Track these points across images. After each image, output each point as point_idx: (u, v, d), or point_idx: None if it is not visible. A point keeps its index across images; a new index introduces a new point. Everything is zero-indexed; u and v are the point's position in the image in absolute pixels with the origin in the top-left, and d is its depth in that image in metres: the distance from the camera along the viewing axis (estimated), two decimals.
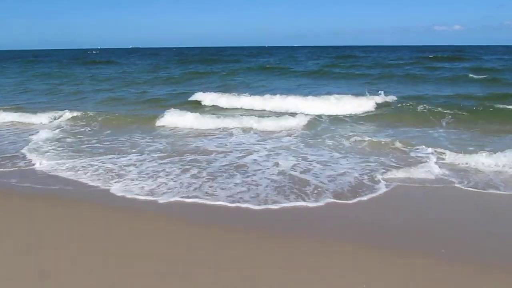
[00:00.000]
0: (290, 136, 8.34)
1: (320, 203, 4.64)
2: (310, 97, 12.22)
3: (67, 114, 10.80)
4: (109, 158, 6.62)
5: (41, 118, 10.58)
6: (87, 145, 7.67)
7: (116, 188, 5.20)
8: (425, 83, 18.00)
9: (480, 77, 18.65)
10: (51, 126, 9.93)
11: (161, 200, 4.79)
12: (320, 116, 10.31)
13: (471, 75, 19.28)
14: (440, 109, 10.47)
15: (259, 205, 4.60)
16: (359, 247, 3.64)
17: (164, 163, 6.26)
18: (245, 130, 8.89)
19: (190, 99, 13.57)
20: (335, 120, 10.17)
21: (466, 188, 5.16)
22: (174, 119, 9.83)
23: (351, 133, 8.29)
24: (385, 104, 11.73)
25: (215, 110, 12.25)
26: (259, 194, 4.94)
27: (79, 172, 5.92)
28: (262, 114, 11.12)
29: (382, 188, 5.12)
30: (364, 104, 11.50)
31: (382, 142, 7.34)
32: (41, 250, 3.59)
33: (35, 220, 4.34)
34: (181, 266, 3.30)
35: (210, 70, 26.09)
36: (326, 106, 11.40)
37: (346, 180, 5.39)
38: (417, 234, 3.95)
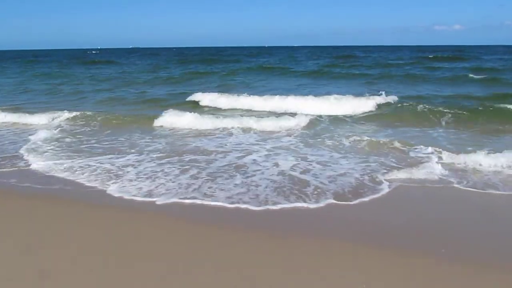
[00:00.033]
0: (289, 136, 8.33)
1: (321, 204, 4.63)
2: (310, 97, 12.20)
3: (67, 114, 10.78)
4: (108, 158, 6.61)
5: (41, 118, 10.57)
6: (86, 145, 7.66)
7: (114, 189, 5.17)
8: (425, 83, 18.00)
9: (480, 77, 18.66)
10: (50, 126, 9.92)
11: (159, 201, 4.74)
12: (320, 116, 10.29)
13: (471, 75, 19.29)
14: (440, 109, 10.46)
15: (259, 206, 4.58)
16: (359, 247, 3.64)
17: (162, 164, 6.25)
18: (245, 130, 8.88)
19: (189, 99, 13.55)
20: (335, 120, 10.16)
21: (465, 188, 5.16)
22: (173, 119, 9.82)
23: (351, 133, 8.28)
24: (385, 104, 11.71)
25: (215, 110, 12.24)
26: (258, 194, 4.92)
27: (76, 172, 5.90)
28: (261, 114, 11.10)
29: (384, 189, 5.10)
30: (364, 104, 11.48)
31: (381, 142, 7.35)
32: (41, 250, 3.59)
33: (35, 220, 4.33)
34: (181, 266, 3.30)
35: (210, 70, 26.07)
36: (326, 106, 11.37)
37: (347, 181, 5.38)
38: (417, 234, 3.95)
